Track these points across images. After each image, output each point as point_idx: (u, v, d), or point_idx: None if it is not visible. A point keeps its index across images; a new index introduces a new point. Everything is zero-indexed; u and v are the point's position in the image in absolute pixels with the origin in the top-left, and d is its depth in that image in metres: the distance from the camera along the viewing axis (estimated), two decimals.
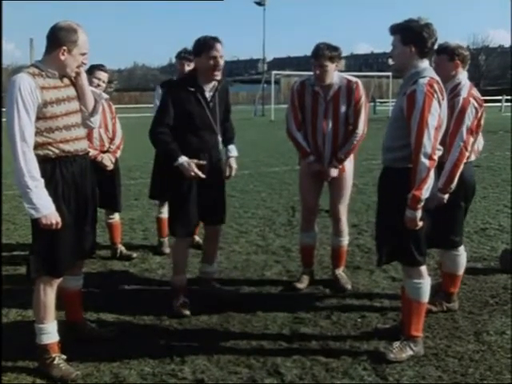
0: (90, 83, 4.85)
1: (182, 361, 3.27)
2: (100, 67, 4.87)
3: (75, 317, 3.54)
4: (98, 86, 4.87)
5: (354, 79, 4.22)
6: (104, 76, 4.88)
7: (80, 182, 3.13)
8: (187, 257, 4.17)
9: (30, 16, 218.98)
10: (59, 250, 3.03)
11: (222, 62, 3.78)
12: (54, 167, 3.00)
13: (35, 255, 3.05)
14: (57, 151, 2.99)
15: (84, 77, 3.15)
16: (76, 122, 3.10)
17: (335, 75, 4.15)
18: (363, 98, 4.17)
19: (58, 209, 2.96)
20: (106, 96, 3.46)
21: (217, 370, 3.18)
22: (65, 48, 2.93)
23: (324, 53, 4.01)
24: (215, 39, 3.78)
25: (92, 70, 4.86)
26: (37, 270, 3.04)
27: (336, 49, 4.08)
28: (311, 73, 4.20)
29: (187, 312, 3.91)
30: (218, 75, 3.80)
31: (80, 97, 3.16)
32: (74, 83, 3.13)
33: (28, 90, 2.84)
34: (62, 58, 2.95)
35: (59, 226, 2.94)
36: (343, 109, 4.16)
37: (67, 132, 3.03)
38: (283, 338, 3.56)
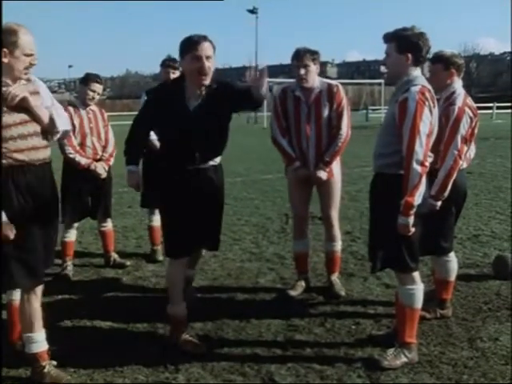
0: (85, 95, 4.87)
1: (176, 369, 3.25)
2: (96, 79, 4.86)
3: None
4: (93, 98, 4.88)
5: (334, 83, 4.31)
6: (99, 88, 4.89)
7: (38, 191, 3.00)
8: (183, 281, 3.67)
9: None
10: (24, 259, 2.95)
11: (208, 64, 3.24)
12: (7, 176, 2.90)
13: (6, 266, 2.96)
14: (10, 161, 2.89)
15: (30, 100, 2.93)
16: (34, 131, 2.97)
17: (317, 79, 4.21)
18: (344, 101, 4.24)
19: (12, 220, 2.87)
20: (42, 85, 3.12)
21: (211, 378, 3.16)
22: (5, 50, 2.84)
23: (306, 53, 4.13)
24: (201, 37, 3.24)
25: (87, 82, 4.85)
26: (10, 281, 2.97)
27: (316, 52, 4.19)
28: None
29: (204, 348, 3.50)
30: (206, 80, 3.28)
31: (34, 120, 2.98)
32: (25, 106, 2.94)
33: None
34: (5, 60, 2.85)
35: (12, 236, 2.86)
36: (325, 112, 4.20)
37: (22, 141, 2.91)
38: (277, 346, 3.55)
